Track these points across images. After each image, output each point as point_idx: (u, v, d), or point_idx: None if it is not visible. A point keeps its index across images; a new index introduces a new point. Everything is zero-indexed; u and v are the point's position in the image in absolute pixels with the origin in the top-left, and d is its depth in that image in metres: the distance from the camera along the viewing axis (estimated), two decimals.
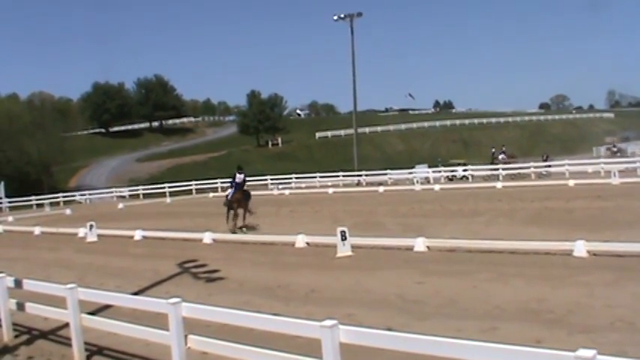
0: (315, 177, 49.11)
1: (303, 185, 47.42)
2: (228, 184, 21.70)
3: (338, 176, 48.32)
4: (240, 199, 20.27)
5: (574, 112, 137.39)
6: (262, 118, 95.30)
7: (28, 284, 9.22)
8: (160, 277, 13.10)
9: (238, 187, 20.37)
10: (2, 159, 60.37)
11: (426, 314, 8.49)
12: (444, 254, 12.97)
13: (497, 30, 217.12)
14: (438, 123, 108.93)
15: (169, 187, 48.22)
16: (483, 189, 29.83)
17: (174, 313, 6.46)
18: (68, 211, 37.10)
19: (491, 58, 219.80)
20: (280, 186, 45.61)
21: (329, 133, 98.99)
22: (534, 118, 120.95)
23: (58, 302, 8.32)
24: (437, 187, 32.80)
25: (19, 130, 64.02)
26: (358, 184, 45.73)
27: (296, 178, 49.97)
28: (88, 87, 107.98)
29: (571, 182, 27.86)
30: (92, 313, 8.48)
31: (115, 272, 14.42)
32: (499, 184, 31.18)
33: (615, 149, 56.23)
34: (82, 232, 22.32)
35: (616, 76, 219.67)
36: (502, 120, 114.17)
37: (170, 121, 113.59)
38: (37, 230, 25.39)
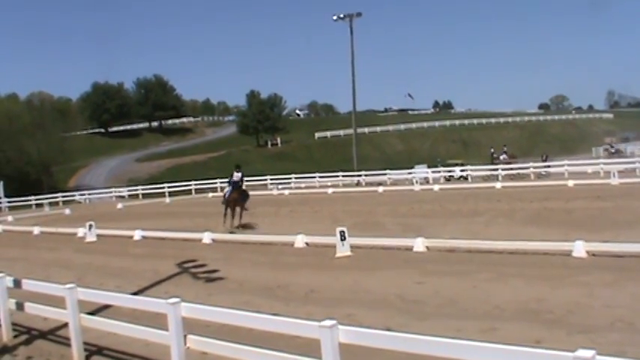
0: (314, 177, 49.10)
1: (303, 185, 47.41)
2: (226, 183, 21.86)
3: (337, 176, 48.31)
4: (237, 199, 20.36)
5: (573, 112, 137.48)
6: (262, 118, 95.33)
7: (28, 284, 9.22)
8: (160, 277, 13.10)
9: (235, 185, 20.48)
10: (2, 159, 60.35)
11: (426, 314, 8.49)
12: (444, 254, 12.97)
13: (496, 30, 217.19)
14: (437, 123, 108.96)
15: (169, 187, 48.19)
16: (483, 189, 29.84)
17: (173, 313, 6.46)
18: (67, 211, 37.09)
19: (491, 58, 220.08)
20: (280, 186, 45.58)
21: (328, 133, 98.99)
22: (534, 118, 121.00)
23: (58, 302, 8.31)
24: (436, 187, 32.80)
25: (18, 130, 64.01)
26: (358, 184, 45.72)
27: (295, 178, 49.95)
28: (87, 87, 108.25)
29: (570, 182, 27.86)
30: (91, 313, 8.47)
31: (115, 272, 14.41)
32: (498, 185, 31.18)
33: (613, 150, 56.16)
34: (81, 232, 22.31)
35: (616, 77, 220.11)
36: (501, 120, 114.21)
37: (169, 121, 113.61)
38: (36, 230, 25.38)
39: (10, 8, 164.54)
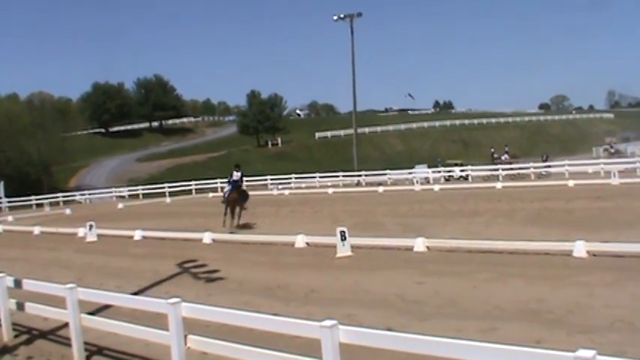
0: (314, 177, 49.10)
1: (303, 185, 47.41)
2: (226, 183, 21.96)
3: (338, 176, 48.32)
4: (236, 199, 20.42)
5: (574, 112, 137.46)
6: (262, 118, 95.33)
7: (28, 284, 9.22)
8: (160, 277, 13.10)
9: (235, 185, 20.55)
10: (2, 159, 60.36)
11: (426, 314, 8.49)
12: (444, 254, 12.97)
13: (496, 30, 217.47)
14: (437, 123, 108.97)
15: (169, 187, 48.22)
16: (483, 189, 29.84)
17: (173, 313, 6.46)
18: (68, 211, 37.09)
19: (491, 58, 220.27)
20: (280, 186, 45.60)
21: (329, 134, 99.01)
22: (534, 118, 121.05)
23: (58, 302, 8.31)
24: (436, 187, 32.80)
25: (19, 130, 64.02)
26: (358, 184, 45.72)
27: (296, 178, 49.96)
28: (87, 87, 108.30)
29: (571, 182, 27.87)
30: (92, 313, 8.47)
31: (115, 272, 14.41)
32: (499, 185, 31.18)
33: (612, 150, 56.02)
34: (81, 232, 22.31)
35: (616, 77, 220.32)
36: (502, 120, 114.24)
37: (170, 121, 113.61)
38: (36, 230, 25.38)
39: (10, 8, 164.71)
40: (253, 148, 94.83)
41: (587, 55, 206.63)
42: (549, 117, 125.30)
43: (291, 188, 44.39)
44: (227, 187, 21.24)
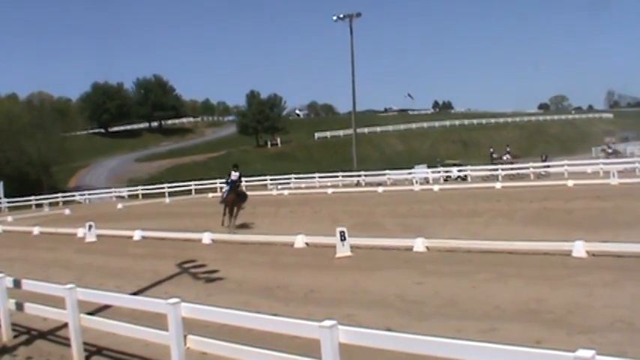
0: (314, 177, 49.09)
1: (303, 185, 47.41)
2: (224, 183, 22.00)
3: (337, 176, 48.32)
4: (234, 200, 20.44)
5: (573, 112, 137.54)
6: (261, 118, 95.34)
7: (27, 284, 9.21)
8: (160, 277, 13.09)
9: (233, 185, 20.59)
10: (2, 159, 60.33)
11: (426, 315, 8.49)
12: (444, 254, 12.97)
13: (496, 30, 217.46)
14: (437, 123, 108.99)
15: (169, 188, 48.21)
16: (482, 189, 29.85)
17: (173, 313, 6.46)
18: (67, 211, 37.08)
19: (491, 58, 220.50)
20: (279, 186, 45.61)
21: (328, 134, 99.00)
22: (533, 118, 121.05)
23: (57, 302, 8.31)
24: (436, 187, 32.80)
25: (18, 130, 64.01)
26: (357, 184, 45.73)
27: (295, 178, 49.97)
28: (87, 87, 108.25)
29: (570, 182, 27.86)
30: (91, 314, 8.47)
31: (115, 272, 14.40)
32: (498, 185, 31.19)
33: (610, 150, 55.87)
34: (81, 232, 22.30)
35: (615, 77, 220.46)
36: (501, 120, 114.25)
37: (169, 122, 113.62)
38: (36, 230, 25.36)
39: (10, 8, 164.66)
40: (253, 148, 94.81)
41: (586, 55, 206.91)
42: (549, 117, 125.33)
43: (290, 188, 44.39)
44: (225, 188, 21.28)
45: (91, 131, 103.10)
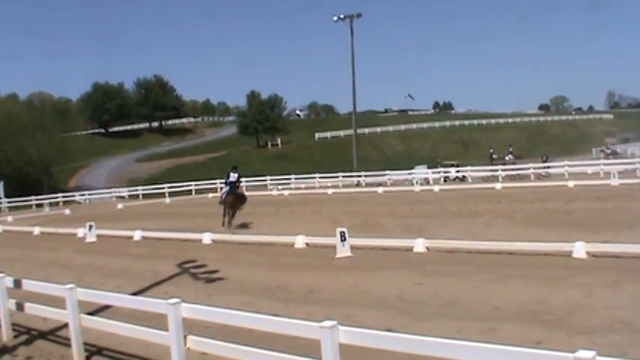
0: (314, 177, 49.09)
1: (303, 186, 47.40)
2: (223, 184, 22.03)
3: (337, 177, 48.32)
4: (233, 202, 20.47)
5: (573, 113, 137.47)
6: (262, 118, 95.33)
7: (28, 284, 9.21)
8: (160, 277, 13.09)
9: (232, 186, 20.62)
10: (2, 159, 60.35)
11: (426, 315, 8.48)
12: (444, 255, 12.97)
13: (496, 30, 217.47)
14: (437, 124, 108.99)
15: (169, 188, 48.20)
16: (483, 190, 29.84)
17: (173, 313, 6.46)
18: (67, 212, 37.09)
19: (491, 59, 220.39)
20: (280, 186, 45.61)
21: (328, 134, 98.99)
22: (534, 119, 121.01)
23: (58, 302, 8.31)
24: (436, 187, 32.83)
25: (18, 130, 64.04)
26: (357, 184, 45.74)
27: (295, 178, 49.97)
28: (87, 87, 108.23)
29: (570, 183, 27.86)
30: (91, 314, 8.47)
31: (115, 272, 14.40)
32: (498, 185, 31.18)
33: (609, 151, 55.79)
34: (81, 232, 22.31)
35: (616, 77, 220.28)
36: (502, 121, 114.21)
37: (170, 122, 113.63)
38: (36, 230, 25.37)
39: (10, 8, 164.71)
40: (253, 149, 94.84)
41: (586, 56, 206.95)
42: (549, 118, 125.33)
43: (290, 189, 44.39)
44: (225, 188, 21.32)
45: (92, 131, 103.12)
